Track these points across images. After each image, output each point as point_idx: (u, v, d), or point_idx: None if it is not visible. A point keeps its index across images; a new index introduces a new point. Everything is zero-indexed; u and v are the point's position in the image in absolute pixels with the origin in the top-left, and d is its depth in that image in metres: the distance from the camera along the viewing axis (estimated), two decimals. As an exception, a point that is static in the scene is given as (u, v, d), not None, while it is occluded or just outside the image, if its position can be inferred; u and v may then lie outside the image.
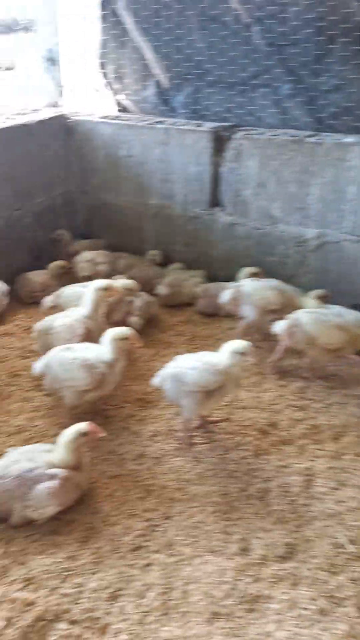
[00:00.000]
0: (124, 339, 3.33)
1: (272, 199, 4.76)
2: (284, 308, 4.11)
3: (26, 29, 5.31)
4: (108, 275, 4.71)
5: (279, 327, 3.88)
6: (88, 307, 3.81)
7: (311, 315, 3.82)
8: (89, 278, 4.92)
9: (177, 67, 5.16)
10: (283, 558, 2.67)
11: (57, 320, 3.79)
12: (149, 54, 5.25)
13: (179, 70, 5.17)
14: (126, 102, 5.55)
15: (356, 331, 3.76)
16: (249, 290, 4.21)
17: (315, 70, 4.67)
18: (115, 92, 5.57)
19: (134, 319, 4.36)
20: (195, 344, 4.38)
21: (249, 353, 3.15)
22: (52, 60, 5.32)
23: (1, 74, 5.67)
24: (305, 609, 2.44)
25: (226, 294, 4.33)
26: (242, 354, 3.14)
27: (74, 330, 3.71)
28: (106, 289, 3.74)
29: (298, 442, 3.38)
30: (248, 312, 4.25)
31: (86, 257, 5.05)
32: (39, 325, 3.85)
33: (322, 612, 2.43)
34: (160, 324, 4.65)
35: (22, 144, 4.83)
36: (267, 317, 4.16)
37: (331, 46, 4.56)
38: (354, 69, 4.54)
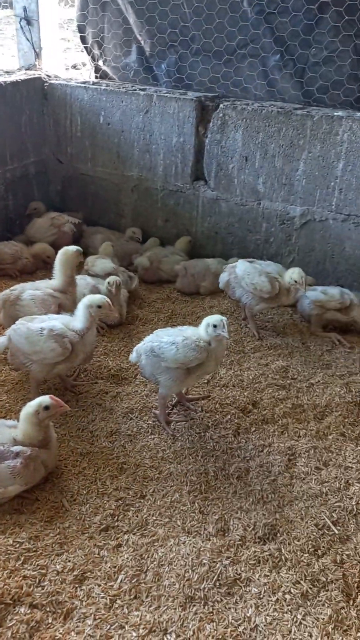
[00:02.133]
0: (99, 306, 3.11)
1: (257, 174, 4.57)
2: (277, 296, 3.89)
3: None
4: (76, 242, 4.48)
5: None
6: (60, 279, 3.57)
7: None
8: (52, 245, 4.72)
9: (161, 33, 4.93)
10: (263, 539, 2.50)
11: (27, 292, 3.54)
12: (131, 18, 5.00)
13: (163, 37, 4.94)
14: (106, 69, 5.29)
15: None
16: (240, 273, 4.00)
17: (305, 41, 4.50)
18: (95, 58, 5.31)
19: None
20: (174, 322, 4.18)
21: (223, 326, 2.93)
22: (28, 20, 5.02)
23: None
24: (287, 592, 2.27)
25: (222, 277, 4.17)
26: (214, 326, 2.93)
27: (46, 305, 3.46)
28: (77, 253, 3.50)
29: (280, 421, 3.22)
30: (239, 295, 4.05)
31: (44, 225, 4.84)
32: (4, 294, 3.59)
33: (305, 596, 2.27)
34: (138, 300, 4.43)
35: (-7, 106, 4.55)
36: (261, 304, 3.96)
37: (322, 16, 4.39)
38: (345, 41, 4.38)
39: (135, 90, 4.82)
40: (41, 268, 4.72)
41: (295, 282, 3.76)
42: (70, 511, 2.59)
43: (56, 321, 3.13)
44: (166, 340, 3.02)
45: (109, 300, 3.16)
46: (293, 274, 3.78)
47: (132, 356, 3.16)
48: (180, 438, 3.07)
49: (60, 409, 2.67)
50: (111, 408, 3.27)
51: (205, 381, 3.50)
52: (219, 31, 4.72)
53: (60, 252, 3.51)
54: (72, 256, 3.52)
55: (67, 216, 4.95)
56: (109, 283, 3.91)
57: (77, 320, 3.14)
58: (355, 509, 2.65)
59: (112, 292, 3.89)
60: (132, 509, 2.63)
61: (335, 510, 2.65)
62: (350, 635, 2.13)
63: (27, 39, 5.07)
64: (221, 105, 4.55)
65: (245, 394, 3.41)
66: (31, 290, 3.53)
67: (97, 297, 3.16)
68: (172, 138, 4.75)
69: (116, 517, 2.58)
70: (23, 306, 3.47)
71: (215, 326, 2.92)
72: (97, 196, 5.26)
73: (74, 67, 5.75)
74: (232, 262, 4.53)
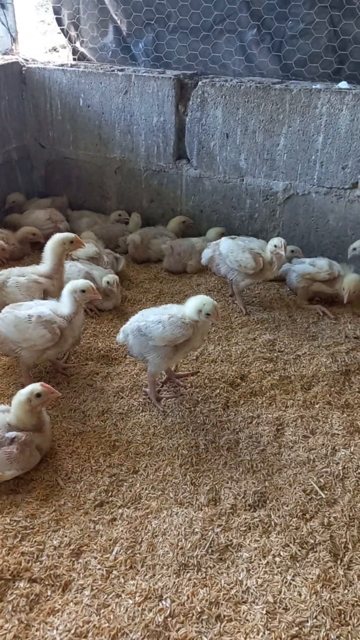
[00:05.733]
0: (82, 291, 3.14)
1: (238, 151, 4.58)
2: (262, 271, 3.94)
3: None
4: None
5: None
6: (48, 265, 3.58)
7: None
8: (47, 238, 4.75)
9: (136, 12, 4.88)
10: (253, 507, 2.58)
11: (11, 279, 3.55)
12: (107, -3, 4.95)
13: (139, 16, 4.89)
14: (84, 50, 5.25)
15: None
16: (224, 251, 4.03)
17: (281, 14, 4.47)
18: (72, 40, 5.26)
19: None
20: (162, 301, 4.22)
21: (215, 314, 2.97)
22: (2, 4, 4.96)
23: None
24: (276, 555, 2.36)
25: (205, 254, 4.20)
26: (207, 314, 2.97)
27: (31, 292, 3.48)
28: (71, 242, 3.51)
29: (268, 393, 3.29)
30: (224, 272, 4.09)
31: (42, 217, 4.83)
32: None
33: (294, 558, 2.35)
34: (126, 281, 4.46)
35: (-29, 93, 4.52)
36: (247, 279, 4.01)
37: (297, -13, 4.36)
38: (321, 12, 4.35)
39: (113, 71, 4.79)
40: (28, 254, 4.75)
41: (275, 246, 3.80)
42: (65, 489, 2.66)
43: (44, 307, 3.16)
44: (152, 319, 3.06)
45: (92, 284, 3.20)
46: (273, 240, 3.85)
47: (120, 337, 3.20)
48: (170, 414, 3.13)
49: (51, 395, 2.71)
50: (102, 388, 3.32)
51: (194, 357, 3.56)
52: (195, 7, 4.68)
53: (52, 238, 3.53)
54: (57, 244, 3.52)
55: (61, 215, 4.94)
56: (108, 283, 3.95)
57: (64, 305, 3.17)
58: (341, 474, 2.73)
59: (113, 291, 3.97)
60: (126, 484, 2.70)
61: (323, 475, 2.73)
62: (338, 592, 2.22)
63: (3, 23, 5.01)
64: (200, 83, 4.53)
65: (233, 368, 3.47)
66: (16, 276, 3.55)
67: (80, 282, 3.19)
68: (153, 118, 4.74)
69: (110, 493, 2.65)
70: (8, 293, 3.49)
71: (208, 314, 2.96)
72: (81, 179, 5.26)
73: (54, 49, 5.69)
74: (211, 235, 4.58)
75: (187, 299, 3.10)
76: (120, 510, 2.56)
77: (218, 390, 3.30)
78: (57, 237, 3.54)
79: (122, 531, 2.46)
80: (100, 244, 4.56)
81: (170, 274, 4.64)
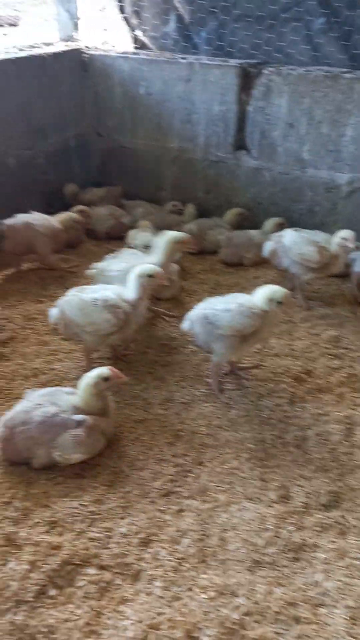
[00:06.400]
0: (150, 276, 3.07)
1: (302, 141, 4.45)
2: (326, 266, 3.80)
3: None
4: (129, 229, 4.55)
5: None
6: (158, 258, 3.41)
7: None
8: (107, 233, 4.77)
9: (200, 0, 4.79)
10: (327, 506, 2.46)
11: (114, 264, 3.48)
12: (170, -15, 4.88)
13: (202, 3, 4.80)
14: (145, 39, 5.19)
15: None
16: (288, 243, 3.90)
17: (352, 3, 4.32)
18: (133, 28, 5.20)
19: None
20: (218, 293, 4.07)
21: (287, 302, 2.89)
22: (67, -9, 4.95)
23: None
24: (355, 558, 2.23)
25: (267, 246, 4.08)
26: (279, 303, 2.88)
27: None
28: (182, 242, 3.44)
29: (336, 390, 3.16)
30: (287, 265, 3.97)
31: (103, 213, 4.81)
32: (101, 266, 3.53)
33: (375, 562, 2.22)
34: (183, 272, 4.38)
35: (35, 78, 4.49)
36: (309, 273, 3.88)
37: (370, -26, 4.21)
38: (394, 0, 4.20)
39: (176, 59, 4.72)
40: (83, 241, 4.71)
41: (343, 238, 3.67)
42: (130, 476, 2.59)
43: (109, 291, 3.09)
44: (220, 307, 2.97)
45: (160, 270, 3.12)
46: (341, 232, 3.71)
47: (185, 324, 3.12)
48: (234, 406, 3.03)
49: (118, 379, 2.66)
50: (162, 376, 3.25)
51: (256, 351, 3.45)
52: (262, -6, 4.57)
53: (165, 235, 3.47)
54: (169, 241, 3.43)
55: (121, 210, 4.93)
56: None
57: (130, 290, 3.10)
58: None
59: (173, 280, 3.89)
60: (191, 475, 2.62)
61: None
62: None
63: (66, 10, 4.99)
64: (265, 71, 4.42)
65: (298, 363, 3.35)
66: (118, 263, 3.49)
67: (148, 267, 3.11)
68: (214, 107, 4.65)
69: (176, 483, 2.57)
70: (111, 278, 3.42)
71: (280, 302, 2.86)
72: (136, 169, 5.20)
73: (105, 42, 5.65)
74: (269, 226, 4.47)
75: (244, 292, 3.01)
76: (187, 502, 2.48)
77: (283, 385, 3.18)
78: (171, 235, 3.47)
79: (190, 523, 2.37)
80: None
81: (227, 266, 4.54)
